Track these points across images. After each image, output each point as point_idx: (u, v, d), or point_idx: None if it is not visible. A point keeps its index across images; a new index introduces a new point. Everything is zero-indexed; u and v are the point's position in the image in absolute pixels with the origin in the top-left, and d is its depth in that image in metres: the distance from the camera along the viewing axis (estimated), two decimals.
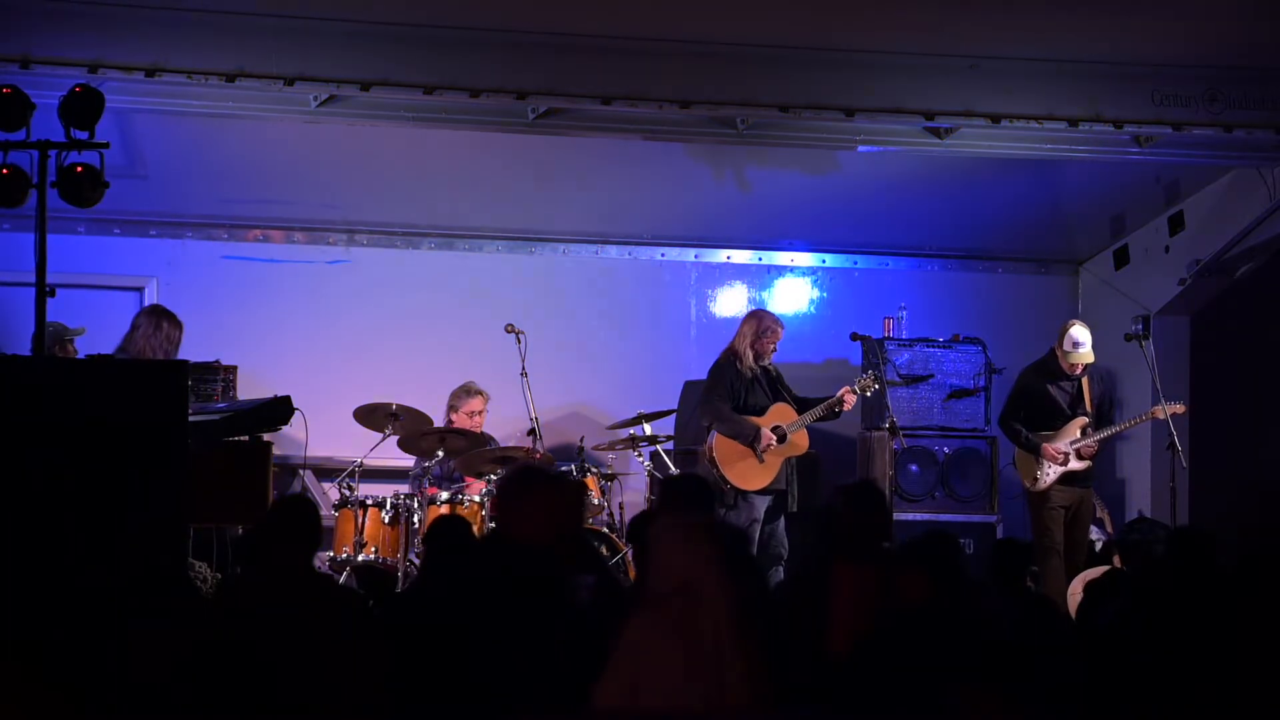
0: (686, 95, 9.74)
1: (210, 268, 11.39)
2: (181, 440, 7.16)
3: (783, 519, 10.20)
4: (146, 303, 10.99)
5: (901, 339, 11.55)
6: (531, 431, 10.45)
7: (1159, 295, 11.79)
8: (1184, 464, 10.62)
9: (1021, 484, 10.73)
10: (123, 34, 9.10)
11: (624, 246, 12.05)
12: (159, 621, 5.24)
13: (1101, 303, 12.23)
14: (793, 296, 12.13)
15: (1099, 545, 10.94)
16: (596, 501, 10.23)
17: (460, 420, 10.71)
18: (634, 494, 10.97)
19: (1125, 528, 10.89)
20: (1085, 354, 10.61)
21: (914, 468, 11.16)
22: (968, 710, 4.84)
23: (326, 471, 10.89)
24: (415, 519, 9.84)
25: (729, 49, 9.71)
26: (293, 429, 9.56)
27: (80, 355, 9.50)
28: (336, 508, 10.05)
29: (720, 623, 4.47)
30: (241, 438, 8.70)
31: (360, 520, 9.91)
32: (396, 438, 10.27)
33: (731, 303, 12.13)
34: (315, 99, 9.49)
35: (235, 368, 10.35)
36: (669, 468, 10.52)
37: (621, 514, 10.55)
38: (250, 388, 10.28)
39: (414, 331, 11.57)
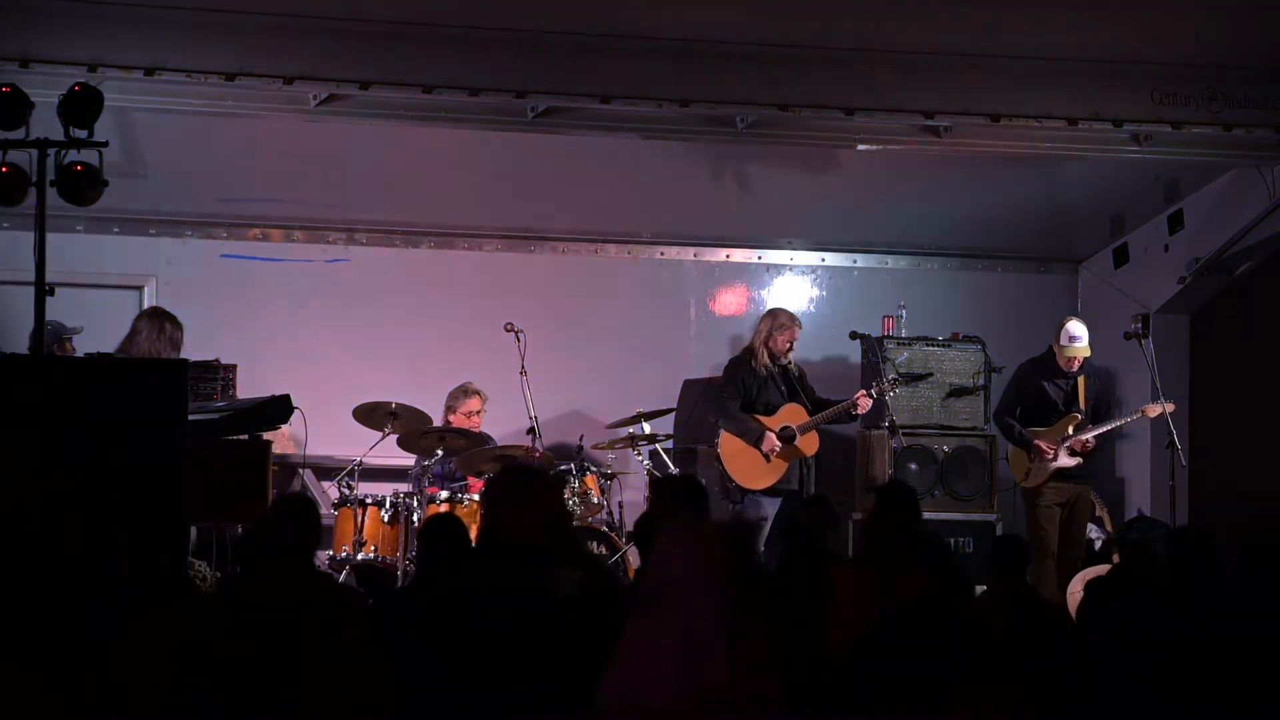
0: (686, 94, 9.75)
1: (209, 266, 11.38)
2: (181, 439, 7.16)
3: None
4: (146, 302, 10.99)
5: (901, 338, 11.56)
6: (531, 430, 10.45)
7: (1158, 294, 11.80)
8: (1183, 462, 10.63)
9: (1015, 481, 10.78)
10: (122, 33, 9.11)
11: (623, 245, 12.05)
12: (159, 621, 5.24)
13: (1101, 301, 12.23)
14: (792, 295, 12.12)
15: (1098, 544, 10.96)
16: (596, 501, 10.23)
17: (458, 420, 10.71)
18: (633, 493, 10.96)
19: (1124, 526, 10.95)
20: (1081, 348, 10.63)
21: (913, 466, 11.17)
22: (967, 709, 4.84)
23: (326, 470, 10.88)
24: (415, 518, 9.84)
25: (728, 48, 9.72)
26: (292, 427, 9.57)
27: (78, 354, 9.49)
28: (336, 506, 10.05)
29: (721, 621, 4.47)
30: (241, 436, 8.70)
31: (359, 519, 9.91)
32: (396, 436, 10.27)
33: (731, 302, 12.14)
34: (315, 98, 9.49)
35: (235, 366, 10.34)
36: (668, 467, 10.52)
37: (621, 513, 10.55)
38: (250, 387, 10.27)
39: (413, 330, 11.56)
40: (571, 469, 10.23)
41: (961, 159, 10.82)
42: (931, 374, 11.37)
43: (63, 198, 7.84)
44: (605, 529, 10.26)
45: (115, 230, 11.21)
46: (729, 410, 10.26)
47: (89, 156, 7.86)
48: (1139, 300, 11.84)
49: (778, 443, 10.15)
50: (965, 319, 11.93)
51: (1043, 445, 10.51)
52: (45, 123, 7.82)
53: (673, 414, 11.20)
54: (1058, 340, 10.68)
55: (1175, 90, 10.19)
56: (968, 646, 5.14)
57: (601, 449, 10.80)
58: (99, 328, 9.95)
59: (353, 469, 10.10)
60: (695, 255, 12.17)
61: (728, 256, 12.22)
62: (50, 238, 7.77)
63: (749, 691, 4.43)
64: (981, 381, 11.45)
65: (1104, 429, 10.70)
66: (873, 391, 10.45)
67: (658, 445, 10.64)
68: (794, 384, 10.42)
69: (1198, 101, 10.22)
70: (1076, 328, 10.65)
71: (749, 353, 10.52)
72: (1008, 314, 12.21)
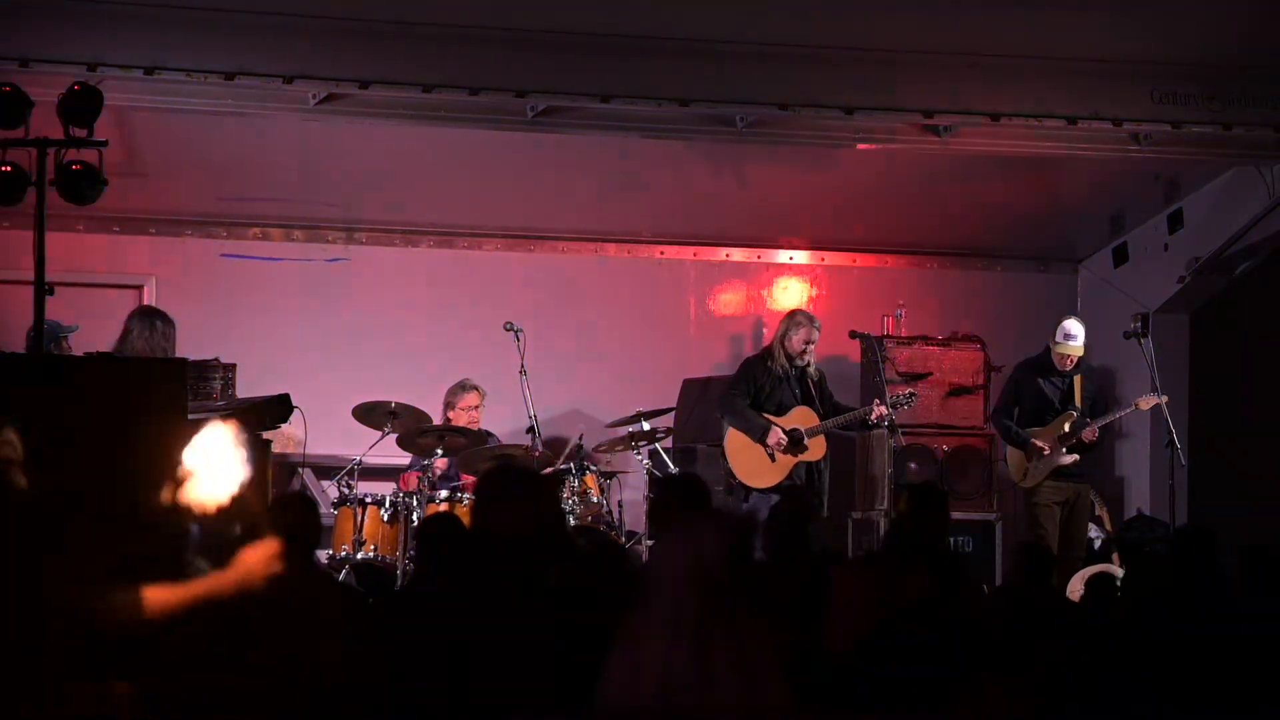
0: (685, 93, 9.74)
1: (209, 266, 11.38)
2: (181, 439, 7.14)
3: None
4: (146, 301, 10.98)
5: (900, 337, 11.56)
6: (530, 429, 10.45)
7: (1158, 293, 11.79)
8: (1183, 461, 10.63)
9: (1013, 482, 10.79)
10: (121, 32, 9.10)
11: (623, 244, 12.04)
12: (159, 621, 5.24)
13: (1100, 301, 12.23)
14: (791, 294, 12.12)
15: (1098, 543, 10.96)
16: (596, 500, 10.23)
17: (457, 417, 10.71)
18: (633, 492, 10.95)
19: (1124, 525, 10.96)
20: (1076, 347, 10.63)
21: (913, 465, 11.18)
22: (967, 709, 4.84)
23: (326, 469, 10.88)
24: (414, 517, 9.84)
25: (728, 47, 9.71)
26: (292, 426, 9.56)
27: (74, 353, 9.48)
28: (335, 505, 10.05)
29: (721, 620, 4.47)
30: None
31: (359, 518, 9.91)
32: (395, 435, 10.27)
33: (731, 302, 12.14)
34: (314, 97, 9.49)
35: (234, 366, 10.32)
36: (668, 466, 10.52)
37: (620, 512, 10.55)
38: (249, 386, 10.26)
39: (413, 329, 11.56)
40: (571, 468, 10.23)
41: (961, 158, 10.82)
42: (930, 373, 11.39)
43: (62, 197, 7.84)
44: (604, 528, 10.26)
45: (115, 229, 11.20)
46: (735, 406, 10.25)
47: (88, 156, 7.86)
48: (1139, 300, 11.84)
49: (784, 436, 10.14)
50: (964, 318, 11.94)
51: (1038, 442, 10.52)
52: (45, 122, 7.82)
53: (672, 413, 11.19)
54: (1054, 338, 10.69)
55: (1175, 90, 10.19)
56: (969, 646, 5.15)
57: (601, 448, 10.80)
58: (99, 327, 9.93)
59: (352, 468, 10.09)
60: (695, 255, 12.16)
61: (728, 256, 12.22)
62: (50, 237, 7.78)
63: (748, 689, 4.43)
64: (981, 381, 11.46)
65: (1100, 423, 10.70)
66: (888, 401, 10.43)
67: (657, 444, 10.64)
68: (810, 387, 10.37)
69: (1198, 101, 10.22)
70: (1073, 326, 10.66)
71: (766, 352, 10.49)
72: (1007, 314, 12.21)
